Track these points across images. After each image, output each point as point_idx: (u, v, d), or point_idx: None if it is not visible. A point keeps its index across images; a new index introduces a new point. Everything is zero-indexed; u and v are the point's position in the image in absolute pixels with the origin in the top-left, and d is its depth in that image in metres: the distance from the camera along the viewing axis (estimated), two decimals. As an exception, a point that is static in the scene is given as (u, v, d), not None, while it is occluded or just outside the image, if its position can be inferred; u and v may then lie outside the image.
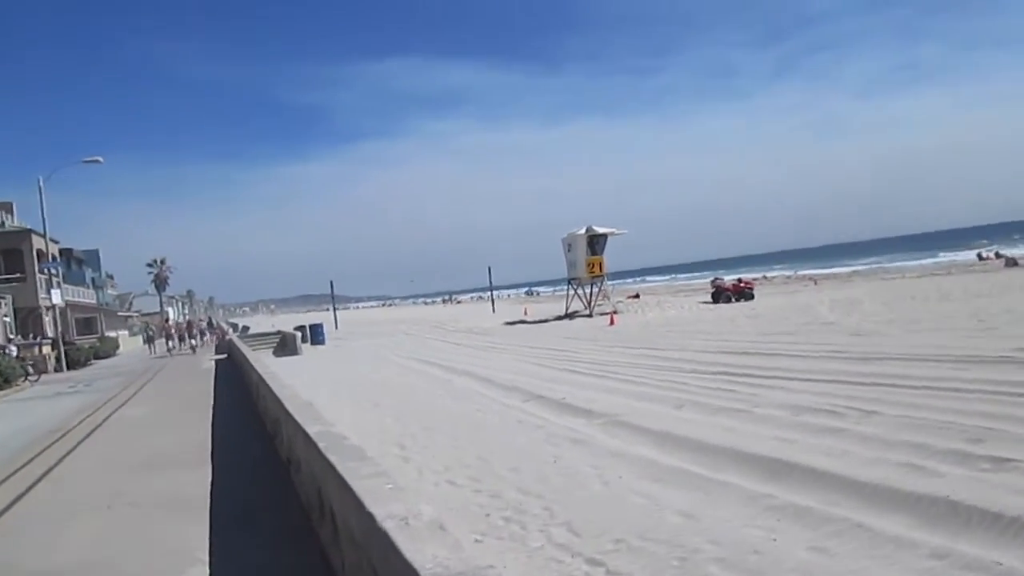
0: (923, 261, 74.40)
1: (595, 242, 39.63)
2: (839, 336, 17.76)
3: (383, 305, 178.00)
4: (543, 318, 40.78)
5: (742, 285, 40.29)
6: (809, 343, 16.81)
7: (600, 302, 39.53)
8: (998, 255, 58.42)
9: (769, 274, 79.99)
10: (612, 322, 31.52)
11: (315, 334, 35.66)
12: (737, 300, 38.29)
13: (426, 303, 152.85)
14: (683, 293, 53.98)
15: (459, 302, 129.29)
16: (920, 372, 11.10)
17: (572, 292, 41.29)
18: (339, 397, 15.92)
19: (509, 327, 37.93)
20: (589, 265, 39.33)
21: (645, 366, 15.85)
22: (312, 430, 5.96)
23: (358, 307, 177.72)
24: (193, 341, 41.07)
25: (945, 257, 75.91)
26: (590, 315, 38.05)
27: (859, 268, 74.47)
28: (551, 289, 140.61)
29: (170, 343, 41.27)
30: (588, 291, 40.27)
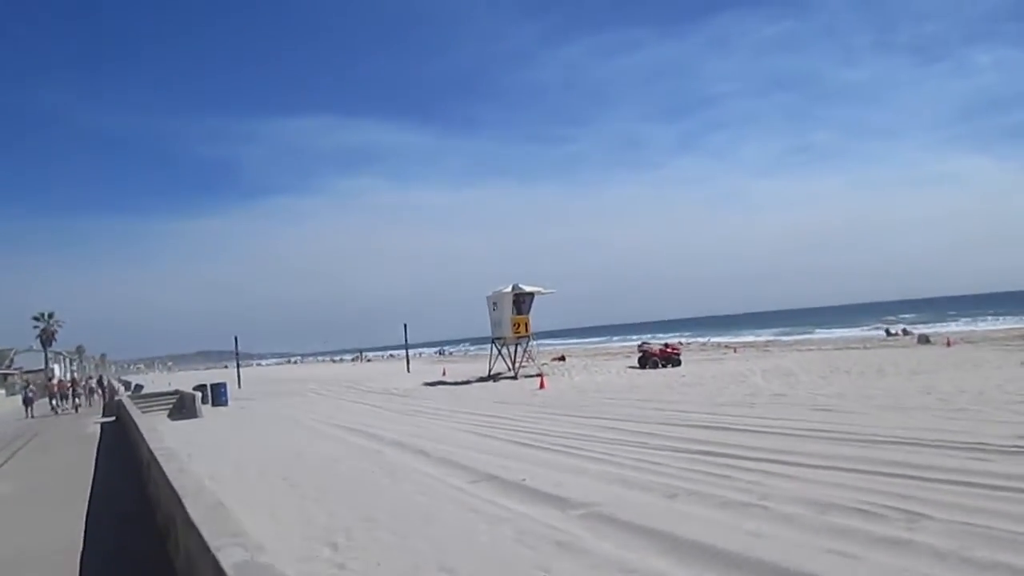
0: (825, 334, 76.55)
1: (521, 301, 38.17)
2: (801, 411, 16.58)
3: (287, 362, 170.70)
4: (464, 379, 38.74)
5: (669, 351, 39.42)
6: (775, 418, 15.50)
7: (525, 364, 37.87)
8: (906, 331, 60.37)
9: (683, 340, 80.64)
10: (543, 386, 29.83)
11: (217, 394, 32.38)
12: (664, 366, 37.39)
13: (333, 361, 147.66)
14: (602, 356, 52.98)
15: (368, 360, 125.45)
16: (934, 461, 9.81)
17: (496, 353, 39.47)
18: (247, 473, 13.51)
19: (429, 388, 35.69)
20: (515, 325, 37.74)
21: (605, 440, 14.11)
22: (230, 561, 3.93)
23: (260, 364, 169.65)
24: (77, 400, 38.87)
25: (836, 332, 78.23)
26: (515, 377, 36.29)
27: (769, 338, 75.88)
28: (462, 348, 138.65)
29: (53, 402, 38.11)
30: (512, 352, 38.59)
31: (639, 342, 49.67)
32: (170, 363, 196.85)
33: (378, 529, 8.65)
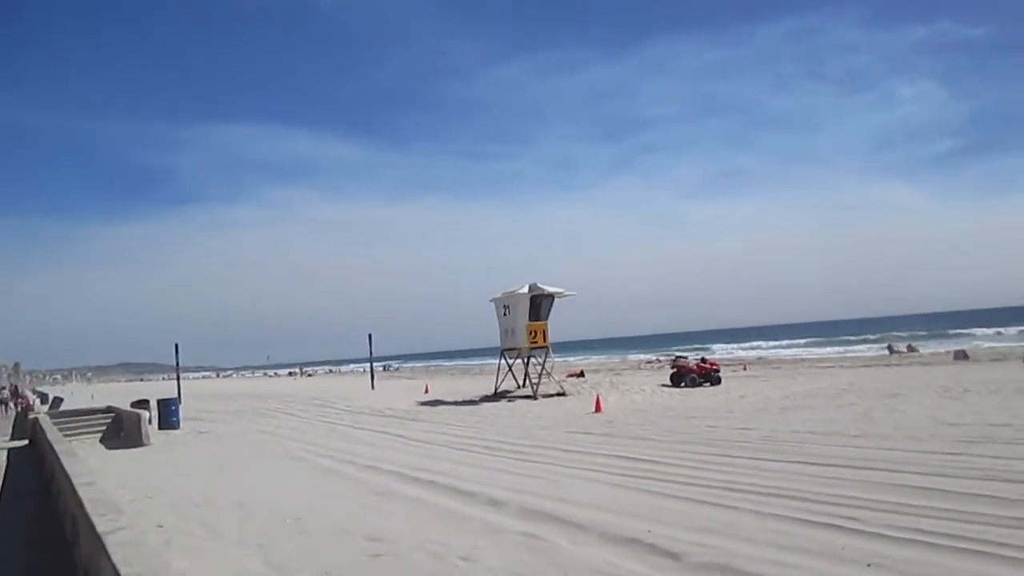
0: (816, 352, 72.90)
1: (539, 304, 31.74)
2: None
3: (219, 376, 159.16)
4: (466, 398, 32.04)
5: (707, 366, 33.60)
6: None
7: (539, 380, 31.42)
8: (911, 348, 57.34)
9: (660, 358, 75.50)
10: (599, 408, 23.50)
11: (166, 413, 24.77)
12: (701, 384, 31.74)
13: (267, 375, 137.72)
14: (613, 372, 46.81)
15: (310, 375, 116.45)
16: None
17: (507, 366, 32.90)
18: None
19: (432, 409, 28.85)
20: (531, 333, 31.31)
21: (924, 511, 7.85)
22: None
23: (188, 378, 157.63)
24: None
25: (818, 351, 74.75)
26: (534, 396, 29.83)
27: (759, 354, 71.53)
28: (407, 364, 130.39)
29: None
30: (526, 365, 32.16)
31: (672, 356, 43.56)
32: (90, 374, 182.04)
33: None
